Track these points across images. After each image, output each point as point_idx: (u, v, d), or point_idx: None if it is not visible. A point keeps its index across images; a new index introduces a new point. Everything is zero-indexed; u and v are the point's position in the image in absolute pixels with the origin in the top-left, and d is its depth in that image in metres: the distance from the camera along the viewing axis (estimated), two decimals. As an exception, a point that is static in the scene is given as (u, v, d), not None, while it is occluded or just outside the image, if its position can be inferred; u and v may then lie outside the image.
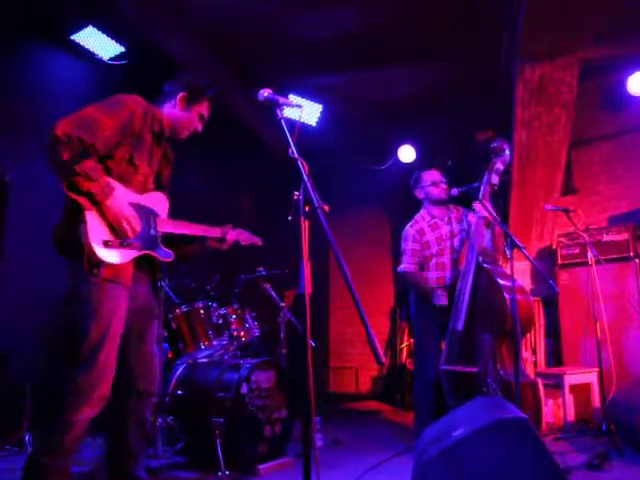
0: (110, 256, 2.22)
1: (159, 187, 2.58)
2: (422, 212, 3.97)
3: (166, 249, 2.50)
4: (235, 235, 2.76)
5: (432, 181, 3.85)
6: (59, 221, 2.28)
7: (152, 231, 2.45)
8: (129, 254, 2.31)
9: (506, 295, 3.18)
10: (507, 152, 3.52)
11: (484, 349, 3.21)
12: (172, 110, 2.57)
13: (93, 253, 2.17)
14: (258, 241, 2.89)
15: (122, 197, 2.28)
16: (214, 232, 2.70)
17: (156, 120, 2.49)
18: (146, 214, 2.43)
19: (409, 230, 3.92)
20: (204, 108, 2.62)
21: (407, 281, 3.94)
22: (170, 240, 2.55)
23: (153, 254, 2.44)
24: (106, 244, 2.21)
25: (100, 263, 2.19)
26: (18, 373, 3.63)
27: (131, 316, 2.36)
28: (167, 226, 2.52)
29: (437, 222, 3.89)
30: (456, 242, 3.82)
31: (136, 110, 2.37)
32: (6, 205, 3.66)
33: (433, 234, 3.86)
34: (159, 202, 2.54)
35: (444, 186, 3.82)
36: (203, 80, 2.63)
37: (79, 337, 2.18)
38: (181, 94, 2.56)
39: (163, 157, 2.60)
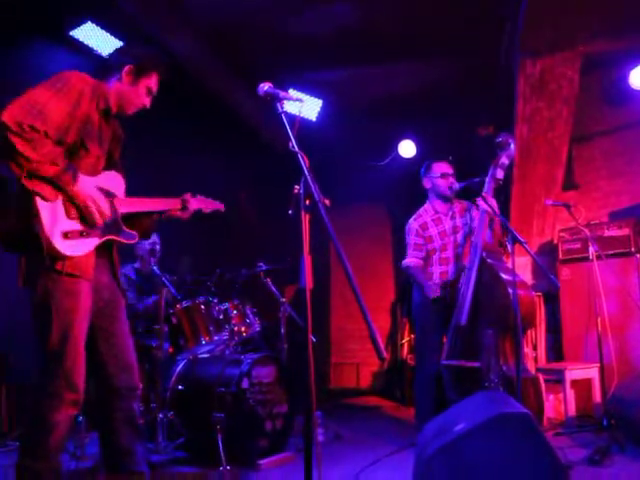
0: (71, 248, 2.07)
1: (111, 166, 2.40)
2: (426, 206, 3.95)
3: (129, 230, 2.34)
4: (197, 204, 2.62)
5: (441, 173, 3.83)
6: (3, 217, 2.05)
7: (112, 214, 2.28)
8: (90, 243, 2.16)
9: (510, 290, 3.18)
10: (512, 146, 3.52)
11: (487, 344, 3.20)
12: (118, 84, 2.34)
13: (53, 247, 2.01)
14: (220, 206, 2.75)
15: (87, 181, 2.15)
16: (173, 204, 2.55)
17: (102, 96, 2.29)
18: (106, 196, 2.27)
19: (412, 224, 3.91)
20: (152, 82, 2.40)
21: (409, 275, 3.95)
22: (127, 218, 2.39)
23: (117, 238, 2.29)
24: (65, 236, 2.05)
25: (62, 257, 2.04)
26: (18, 373, 3.63)
27: (96, 310, 2.23)
28: (125, 206, 2.35)
29: (440, 217, 3.87)
30: (459, 237, 3.82)
31: (84, 89, 2.20)
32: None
33: (436, 228, 3.85)
34: (115, 182, 2.36)
35: (451, 180, 3.80)
36: (151, 52, 2.47)
37: (41, 339, 2.08)
38: (127, 67, 2.34)
39: (113, 135, 2.41)
